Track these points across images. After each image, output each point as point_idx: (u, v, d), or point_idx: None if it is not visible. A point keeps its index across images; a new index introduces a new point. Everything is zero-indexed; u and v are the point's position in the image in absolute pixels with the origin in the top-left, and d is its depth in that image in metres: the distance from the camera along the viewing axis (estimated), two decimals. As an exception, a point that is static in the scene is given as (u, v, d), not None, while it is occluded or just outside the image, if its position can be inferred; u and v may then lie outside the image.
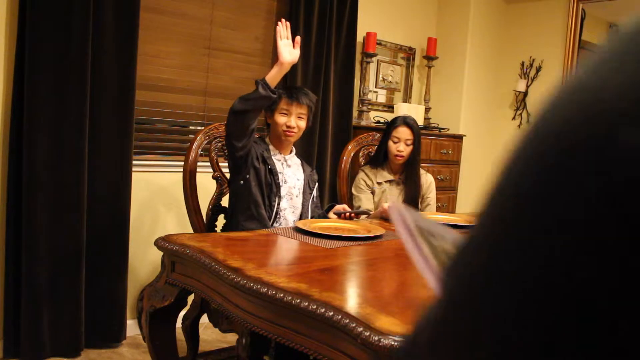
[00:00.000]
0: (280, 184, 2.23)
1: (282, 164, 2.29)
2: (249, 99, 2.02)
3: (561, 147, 0.25)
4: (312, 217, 2.32)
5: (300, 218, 2.30)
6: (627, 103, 0.23)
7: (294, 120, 2.23)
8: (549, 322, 0.24)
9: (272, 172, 2.20)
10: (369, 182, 2.70)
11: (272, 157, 2.26)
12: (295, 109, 2.23)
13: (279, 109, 2.24)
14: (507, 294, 0.26)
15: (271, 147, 2.30)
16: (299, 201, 2.32)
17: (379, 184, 2.68)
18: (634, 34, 0.26)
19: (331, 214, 2.35)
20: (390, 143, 2.66)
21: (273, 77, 2.05)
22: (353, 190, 2.73)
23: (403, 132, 2.64)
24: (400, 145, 2.64)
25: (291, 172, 2.31)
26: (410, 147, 2.65)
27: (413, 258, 0.52)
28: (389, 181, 2.69)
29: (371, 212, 2.47)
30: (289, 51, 2.08)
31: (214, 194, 2.36)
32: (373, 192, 2.70)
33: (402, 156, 2.64)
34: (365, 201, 2.67)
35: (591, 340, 0.23)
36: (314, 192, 2.40)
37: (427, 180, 2.76)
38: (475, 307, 0.28)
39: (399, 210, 0.55)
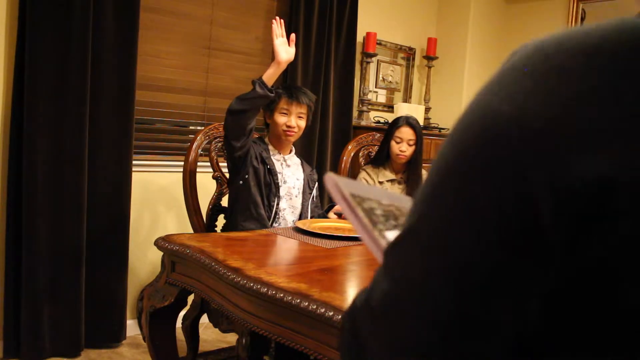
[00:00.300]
0: (280, 184, 2.23)
1: (282, 163, 2.29)
2: (246, 99, 2.02)
3: (469, 138, 0.42)
4: (311, 217, 2.32)
5: (300, 218, 2.30)
6: (511, 108, 0.40)
7: (294, 119, 2.23)
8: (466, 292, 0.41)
9: (271, 172, 2.20)
10: (370, 182, 2.70)
11: (272, 157, 2.26)
12: (295, 109, 2.23)
13: (278, 109, 2.23)
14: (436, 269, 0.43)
15: (270, 147, 2.30)
16: (298, 201, 2.31)
17: (381, 183, 2.68)
18: (514, 64, 0.41)
19: (331, 214, 2.35)
20: (393, 143, 2.67)
21: (270, 76, 2.06)
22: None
23: (406, 133, 2.65)
24: (403, 145, 2.65)
25: (290, 172, 2.31)
26: (413, 147, 2.66)
27: (353, 225, 0.58)
28: (391, 180, 2.69)
29: None
30: (285, 50, 2.09)
31: (214, 194, 2.36)
32: None
33: (404, 156, 2.65)
34: None
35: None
36: (314, 192, 2.39)
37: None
38: (415, 282, 0.44)
39: (333, 180, 0.56)
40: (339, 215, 2.31)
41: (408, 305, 0.45)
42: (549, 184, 0.39)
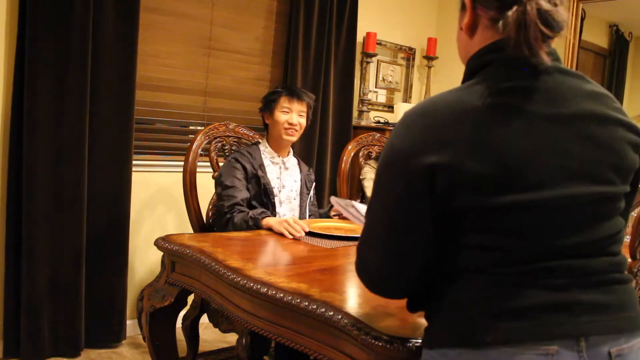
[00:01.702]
0: (276, 201, 2.21)
1: (280, 167, 2.28)
2: (249, 226, 2.00)
3: (387, 160, 0.90)
4: (310, 216, 2.32)
5: (299, 219, 2.30)
6: (413, 145, 0.86)
7: (295, 117, 2.23)
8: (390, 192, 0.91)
9: (267, 192, 2.18)
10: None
11: (271, 164, 2.25)
12: (296, 106, 2.23)
13: (279, 107, 2.23)
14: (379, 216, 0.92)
15: (268, 151, 2.28)
16: (296, 202, 2.31)
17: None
18: (405, 119, 0.90)
19: (332, 213, 2.34)
20: None
21: (267, 225, 1.98)
22: (363, 182, 2.79)
23: None
24: None
25: (289, 176, 2.31)
26: None
27: (350, 217, 1.59)
28: None
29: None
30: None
31: (214, 194, 2.36)
32: None
33: None
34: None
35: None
36: (312, 192, 2.39)
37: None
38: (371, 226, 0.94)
39: (335, 200, 1.67)
40: (340, 215, 2.31)
41: (370, 240, 0.94)
42: (418, 172, 0.84)
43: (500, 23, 0.85)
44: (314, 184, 2.43)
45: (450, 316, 0.89)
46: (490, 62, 0.88)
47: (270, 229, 1.97)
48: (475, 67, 0.90)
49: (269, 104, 2.25)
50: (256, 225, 2.00)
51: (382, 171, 0.90)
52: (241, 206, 2.09)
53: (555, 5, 0.83)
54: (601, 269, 0.86)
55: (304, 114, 2.27)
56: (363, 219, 1.08)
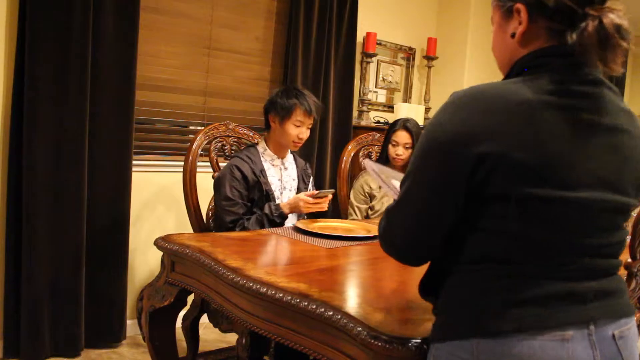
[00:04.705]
0: (278, 195, 2.23)
1: (280, 168, 2.28)
2: (263, 225, 2.10)
3: (429, 142, 0.93)
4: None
5: (297, 215, 2.29)
6: (454, 131, 0.88)
7: (305, 132, 2.23)
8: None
9: (269, 198, 2.19)
10: (366, 189, 2.72)
11: (271, 167, 2.24)
12: (308, 121, 2.22)
13: (293, 119, 2.18)
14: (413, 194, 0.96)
15: (267, 153, 2.26)
16: None
17: (380, 187, 2.68)
18: (455, 99, 0.91)
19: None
20: (390, 147, 2.68)
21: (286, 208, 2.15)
22: (351, 197, 2.76)
23: (402, 136, 2.66)
24: (399, 149, 2.66)
25: (288, 176, 2.31)
26: (410, 150, 2.67)
27: (382, 185, 1.59)
28: None
29: (333, 192, 2.36)
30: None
31: (214, 195, 2.36)
32: (373, 197, 2.72)
33: (400, 159, 2.65)
34: (358, 214, 2.72)
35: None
36: (310, 186, 2.38)
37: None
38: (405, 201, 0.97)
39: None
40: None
41: (402, 207, 0.99)
42: (465, 157, 0.87)
43: (570, 34, 0.88)
44: (311, 177, 2.42)
45: (466, 306, 0.91)
46: (545, 64, 0.91)
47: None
48: (526, 66, 0.93)
49: (281, 112, 2.18)
50: (282, 216, 2.12)
51: (426, 148, 0.92)
52: (244, 219, 2.13)
53: (623, 19, 0.88)
54: (608, 268, 0.95)
55: (311, 126, 2.27)
56: (394, 187, 1.31)
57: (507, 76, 0.98)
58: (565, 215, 0.88)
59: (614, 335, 0.91)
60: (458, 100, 0.90)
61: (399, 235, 0.98)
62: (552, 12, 0.90)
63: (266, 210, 2.11)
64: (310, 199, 2.12)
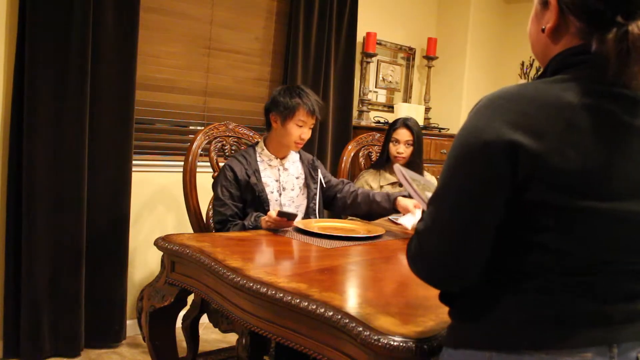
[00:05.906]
0: (277, 202, 2.19)
1: (278, 169, 2.23)
2: (245, 230, 2.02)
3: (465, 141, 0.85)
4: (340, 200, 2.31)
5: (307, 211, 2.26)
6: (486, 128, 0.82)
7: (307, 132, 2.19)
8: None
9: (261, 200, 2.13)
10: (372, 187, 2.71)
11: (268, 167, 2.20)
12: (310, 121, 2.18)
13: (295, 119, 2.14)
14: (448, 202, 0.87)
15: (265, 154, 2.22)
16: (303, 197, 2.27)
17: (381, 187, 2.68)
18: (488, 102, 0.85)
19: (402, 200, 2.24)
20: (391, 145, 2.68)
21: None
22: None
23: (402, 134, 2.66)
24: (400, 147, 2.66)
25: (289, 176, 2.26)
26: (411, 148, 2.67)
27: (412, 194, 1.53)
28: (392, 183, 2.69)
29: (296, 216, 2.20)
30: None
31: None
32: None
33: (402, 157, 2.65)
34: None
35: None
36: (320, 177, 2.31)
37: (431, 181, 2.77)
38: (441, 214, 0.87)
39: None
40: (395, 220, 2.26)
41: (435, 229, 0.88)
42: (502, 150, 0.81)
43: (596, 39, 0.84)
44: (319, 170, 2.34)
45: (484, 317, 0.87)
46: (579, 62, 0.87)
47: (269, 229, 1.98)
48: (560, 65, 0.89)
49: (284, 111, 2.14)
50: (258, 229, 2.02)
51: (460, 153, 0.85)
52: (231, 221, 2.10)
53: None
54: (636, 285, 0.88)
55: (313, 126, 2.24)
56: (424, 197, 1.32)
57: (543, 75, 0.92)
58: (602, 227, 0.82)
59: (638, 358, 0.86)
60: (492, 103, 0.84)
61: (435, 246, 0.88)
62: (580, 12, 0.86)
63: (246, 220, 2.06)
64: (270, 218, 1.97)
